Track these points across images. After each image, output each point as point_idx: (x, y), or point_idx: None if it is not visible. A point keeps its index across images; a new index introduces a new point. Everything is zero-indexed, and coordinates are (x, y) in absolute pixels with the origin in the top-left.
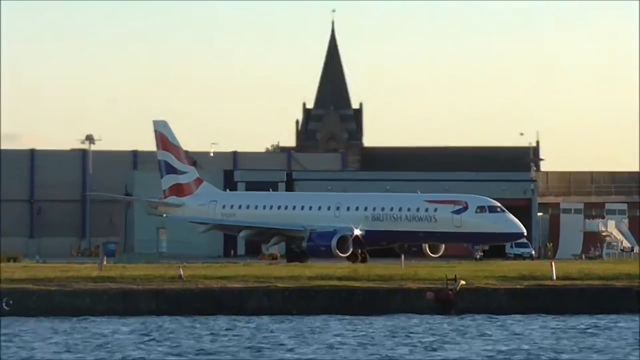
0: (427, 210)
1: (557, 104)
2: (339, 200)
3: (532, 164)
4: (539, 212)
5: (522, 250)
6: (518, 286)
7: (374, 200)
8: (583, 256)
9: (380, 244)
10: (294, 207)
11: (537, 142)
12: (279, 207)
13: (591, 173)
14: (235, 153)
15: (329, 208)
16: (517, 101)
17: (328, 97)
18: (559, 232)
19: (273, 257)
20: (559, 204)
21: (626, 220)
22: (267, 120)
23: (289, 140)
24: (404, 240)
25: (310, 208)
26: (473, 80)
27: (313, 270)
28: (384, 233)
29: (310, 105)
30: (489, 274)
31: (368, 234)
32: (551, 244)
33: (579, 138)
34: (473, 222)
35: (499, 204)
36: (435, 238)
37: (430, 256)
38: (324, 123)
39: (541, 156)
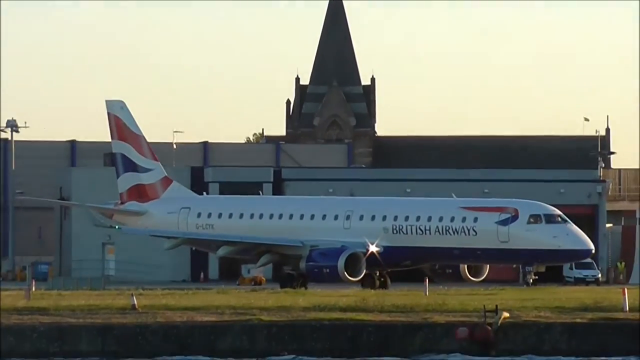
0: (464, 219)
1: (632, 81)
2: (349, 207)
3: (599, 159)
4: (608, 222)
5: (585, 272)
6: (579, 320)
7: (395, 206)
8: None
9: (403, 263)
10: (291, 216)
11: (607, 130)
12: (271, 216)
13: None
14: (205, 144)
15: (335, 217)
16: (579, 77)
17: (329, 70)
18: (635, 248)
19: (256, 282)
20: (634, 211)
21: None
22: (247, 102)
23: (277, 127)
24: (435, 260)
25: (312, 217)
26: (516, 51)
27: (309, 299)
28: (407, 250)
29: (305, 80)
30: (540, 303)
31: (387, 251)
32: (623, 264)
33: None
34: (525, 236)
35: (558, 212)
36: (474, 256)
37: (471, 280)
38: (324, 104)
39: (612, 149)
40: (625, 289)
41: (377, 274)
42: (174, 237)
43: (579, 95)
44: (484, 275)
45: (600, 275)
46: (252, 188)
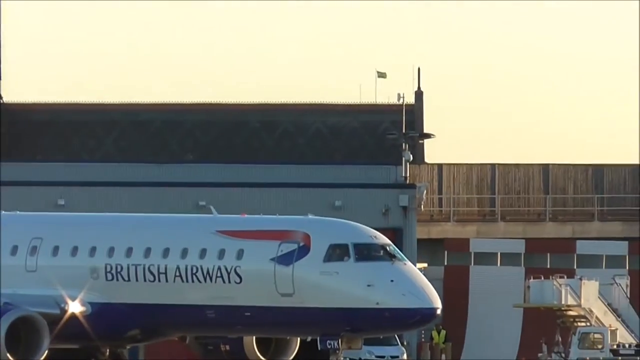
0: (221, 254)
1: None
2: (37, 232)
3: (404, 146)
4: (420, 260)
5: (378, 350)
6: None
7: (110, 231)
8: None
9: (127, 335)
10: None
11: (418, 95)
12: None
13: None
14: None
15: (14, 250)
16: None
17: None
18: (466, 303)
19: None
20: (467, 241)
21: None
22: None
23: None
24: (177, 329)
25: None
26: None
27: None
28: (131, 310)
29: None
30: None
31: (98, 311)
32: (443, 334)
33: None
34: (319, 284)
35: (382, 239)
36: (241, 322)
37: None
38: None
39: (425, 128)
40: None
41: (106, 354)
42: None
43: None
44: (292, 354)
45: (405, 357)
46: None
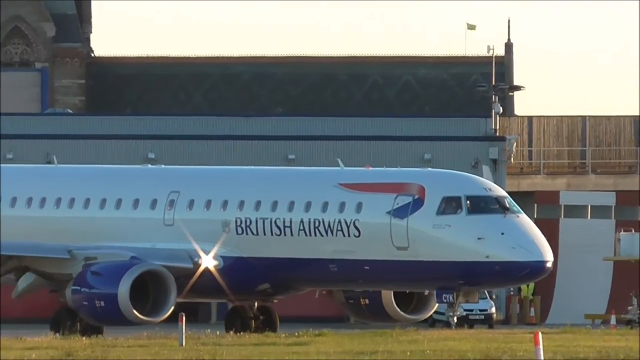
0: (342, 207)
1: None
2: (174, 185)
3: (493, 99)
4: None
5: (468, 305)
6: None
7: (240, 184)
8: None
9: (257, 289)
10: (87, 202)
11: (508, 47)
12: (58, 203)
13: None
14: None
15: (153, 203)
16: None
17: None
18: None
19: None
20: (557, 193)
21: None
22: None
23: None
24: (303, 282)
25: (119, 204)
26: None
27: None
28: (261, 264)
29: None
30: None
31: (229, 266)
32: (532, 288)
33: None
34: (431, 238)
35: (497, 191)
36: (361, 276)
37: (403, 317)
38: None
39: (515, 81)
40: (539, 335)
41: (255, 308)
42: None
43: None
44: (431, 310)
45: (494, 310)
46: None
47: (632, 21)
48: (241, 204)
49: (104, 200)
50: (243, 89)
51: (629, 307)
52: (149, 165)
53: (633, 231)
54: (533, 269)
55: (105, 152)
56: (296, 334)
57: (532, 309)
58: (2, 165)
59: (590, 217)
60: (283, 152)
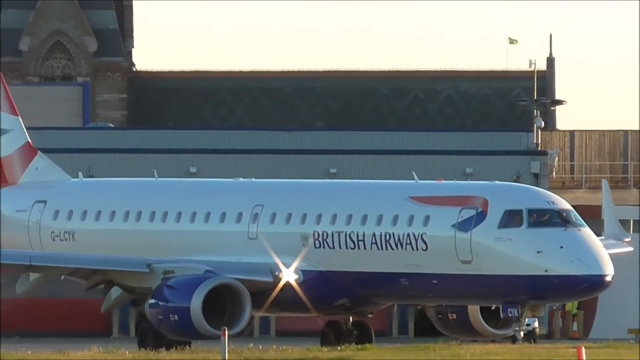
0: (411, 220)
1: None
2: (258, 198)
3: (535, 113)
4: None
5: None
6: None
7: (317, 197)
8: None
9: (336, 303)
10: (179, 216)
11: (550, 62)
12: (152, 216)
13: None
14: None
15: (239, 217)
16: None
17: None
18: None
19: None
20: (599, 207)
21: None
22: None
23: None
24: (377, 295)
25: (208, 217)
26: None
27: None
28: (340, 278)
29: None
30: None
31: (309, 280)
32: (576, 304)
33: None
34: (493, 251)
35: (561, 204)
36: (430, 289)
37: (489, 332)
38: (38, 12)
39: (557, 95)
40: (582, 349)
41: (350, 323)
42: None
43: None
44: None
45: (537, 325)
46: None
47: None
48: (319, 218)
49: (194, 213)
50: (284, 103)
51: None
52: (241, 179)
53: None
54: (592, 283)
55: (146, 166)
56: (339, 348)
57: (575, 324)
58: (85, 179)
59: (632, 232)
60: (324, 166)
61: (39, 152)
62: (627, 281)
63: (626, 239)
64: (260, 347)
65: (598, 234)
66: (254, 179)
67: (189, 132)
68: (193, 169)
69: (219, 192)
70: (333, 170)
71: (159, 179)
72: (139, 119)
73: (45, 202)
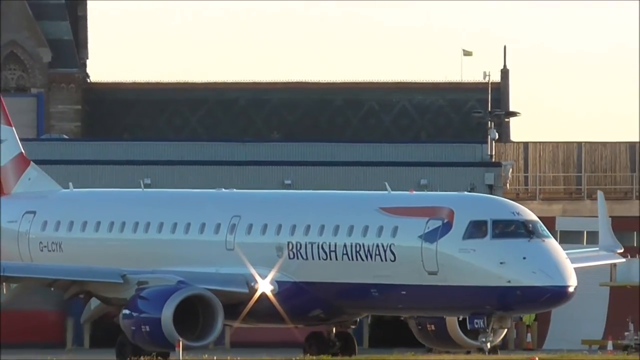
0: (380, 231)
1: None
2: (235, 209)
3: (490, 124)
4: None
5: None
6: None
7: (291, 208)
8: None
9: (310, 314)
10: (160, 227)
11: (504, 74)
12: (135, 227)
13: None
14: None
15: (217, 228)
16: None
17: None
18: None
19: None
20: (553, 219)
21: None
22: None
23: None
24: (349, 306)
25: (188, 228)
26: None
27: None
28: (313, 289)
29: None
30: None
31: (284, 291)
32: (533, 316)
33: None
34: (458, 262)
35: (525, 214)
36: (399, 300)
37: (466, 343)
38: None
39: (511, 107)
40: None
41: (333, 334)
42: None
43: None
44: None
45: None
46: None
47: (628, 49)
48: (293, 228)
49: (175, 224)
50: (239, 115)
51: (626, 333)
52: (223, 189)
53: (629, 257)
54: (554, 294)
55: (101, 178)
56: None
57: (529, 334)
58: (75, 190)
59: (586, 243)
60: (279, 177)
61: (31, 162)
62: (580, 292)
63: (619, 250)
64: (215, 358)
65: None
66: (235, 190)
67: (144, 144)
68: (147, 181)
69: (201, 203)
70: (288, 182)
71: (145, 189)
72: (94, 131)
73: (34, 212)
